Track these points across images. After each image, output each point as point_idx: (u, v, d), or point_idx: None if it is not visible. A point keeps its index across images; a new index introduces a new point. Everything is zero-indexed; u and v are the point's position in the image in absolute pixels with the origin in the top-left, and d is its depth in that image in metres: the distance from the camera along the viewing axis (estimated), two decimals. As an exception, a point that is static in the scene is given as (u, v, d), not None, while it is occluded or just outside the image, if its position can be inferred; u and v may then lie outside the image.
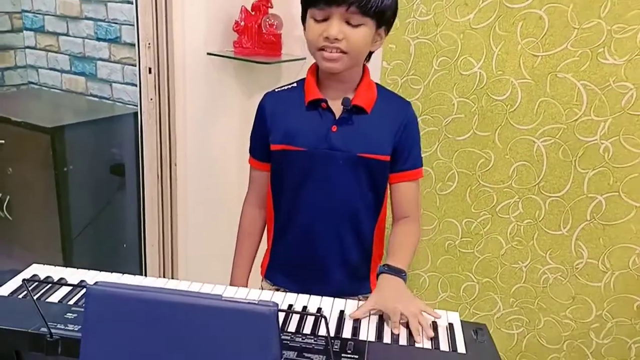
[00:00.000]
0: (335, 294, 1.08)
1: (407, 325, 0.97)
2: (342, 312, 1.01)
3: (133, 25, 2.29)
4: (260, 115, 1.23)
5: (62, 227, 2.14)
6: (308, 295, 1.07)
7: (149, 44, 1.78)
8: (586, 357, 1.67)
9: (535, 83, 1.53)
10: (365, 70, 1.18)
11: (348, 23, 1.05)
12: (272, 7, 1.84)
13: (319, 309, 1.03)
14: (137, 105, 2.38)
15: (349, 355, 0.87)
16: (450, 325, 0.98)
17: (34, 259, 2.07)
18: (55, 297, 1.02)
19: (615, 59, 1.43)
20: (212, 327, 0.72)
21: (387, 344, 0.93)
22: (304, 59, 1.83)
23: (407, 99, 1.23)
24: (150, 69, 1.80)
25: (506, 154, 1.61)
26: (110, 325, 0.74)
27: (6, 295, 1.02)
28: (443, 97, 1.65)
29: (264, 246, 1.36)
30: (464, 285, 1.77)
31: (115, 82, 2.46)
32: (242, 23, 1.83)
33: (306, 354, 0.87)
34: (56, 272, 1.12)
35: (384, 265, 1.11)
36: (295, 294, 1.07)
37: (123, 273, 1.10)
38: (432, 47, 1.62)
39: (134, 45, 2.33)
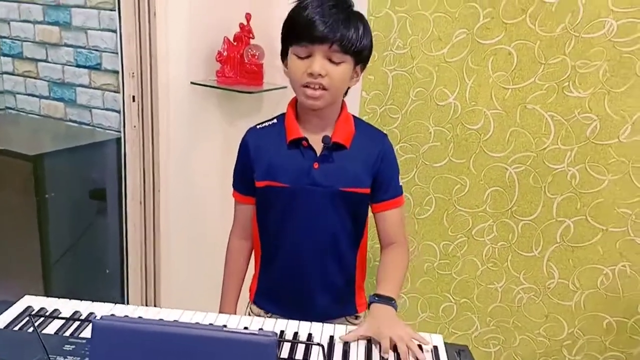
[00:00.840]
0: (321, 318, 1.12)
1: (395, 349, 1.02)
2: (331, 337, 1.06)
3: (114, 52, 2.33)
4: (243, 151, 1.27)
5: (43, 253, 2.13)
6: (298, 322, 1.11)
7: (133, 73, 1.81)
8: (559, 373, 1.74)
9: (507, 114, 1.62)
10: (343, 105, 1.23)
11: (330, 60, 1.11)
12: (253, 38, 1.90)
13: (310, 335, 1.07)
14: (117, 131, 2.40)
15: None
16: (435, 348, 1.04)
17: (15, 285, 2.06)
18: (51, 329, 1.04)
19: (579, 92, 1.53)
20: (215, 357, 0.76)
21: (377, 368, 0.98)
22: (285, 87, 1.89)
23: (386, 128, 1.29)
24: (134, 97, 1.83)
25: (480, 180, 1.69)
26: (116, 358, 0.77)
27: (3, 327, 1.03)
28: (420, 126, 1.73)
29: (251, 270, 1.40)
30: (442, 306, 1.83)
31: (95, 108, 2.47)
32: (225, 53, 1.88)
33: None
34: (49, 303, 1.13)
35: (374, 295, 1.14)
36: (286, 320, 1.11)
37: (105, 300, 1.12)
38: (409, 78, 1.70)
39: (115, 72, 2.36)
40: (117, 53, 2.33)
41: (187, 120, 1.95)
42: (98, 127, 2.46)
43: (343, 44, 1.09)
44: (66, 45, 2.45)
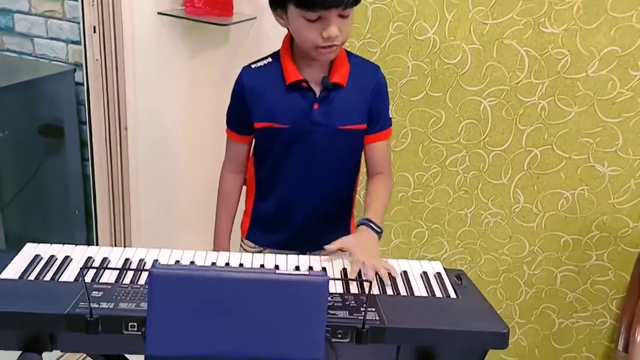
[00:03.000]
0: (315, 249, 1.19)
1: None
2: (344, 269, 1.12)
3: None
4: (238, 90, 1.26)
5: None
6: (297, 255, 1.15)
7: (93, 1, 1.70)
8: (519, 286, 1.93)
9: (484, 48, 1.67)
10: None
11: (340, 16, 1.10)
12: (221, -34, 1.81)
13: (310, 268, 1.11)
14: (65, 62, 2.26)
15: (367, 309, 0.98)
16: (438, 274, 1.13)
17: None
18: (67, 276, 1.03)
19: (554, 28, 1.60)
20: (270, 299, 0.80)
21: (391, 295, 1.06)
22: (255, 18, 1.84)
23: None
24: (95, 27, 1.72)
25: (456, 113, 1.77)
26: (174, 305, 0.79)
27: (16, 278, 1.01)
28: (398, 60, 1.75)
29: (241, 207, 1.43)
30: (414, 232, 1.95)
31: (37, 36, 2.29)
32: (193, -18, 1.79)
33: (330, 311, 0.97)
34: (56, 250, 1.11)
35: (366, 218, 1.21)
36: (285, 255, 1.14)
37: (71, 240, 1.14)
38: (389, 12, 1.70)
39: (59, -3, 2.18)
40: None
41: (153, 52, 1.87)
42: (42, 58, 2.29)
43: (354, 1, 1.09)
44: (-1, -34, 2.22)
